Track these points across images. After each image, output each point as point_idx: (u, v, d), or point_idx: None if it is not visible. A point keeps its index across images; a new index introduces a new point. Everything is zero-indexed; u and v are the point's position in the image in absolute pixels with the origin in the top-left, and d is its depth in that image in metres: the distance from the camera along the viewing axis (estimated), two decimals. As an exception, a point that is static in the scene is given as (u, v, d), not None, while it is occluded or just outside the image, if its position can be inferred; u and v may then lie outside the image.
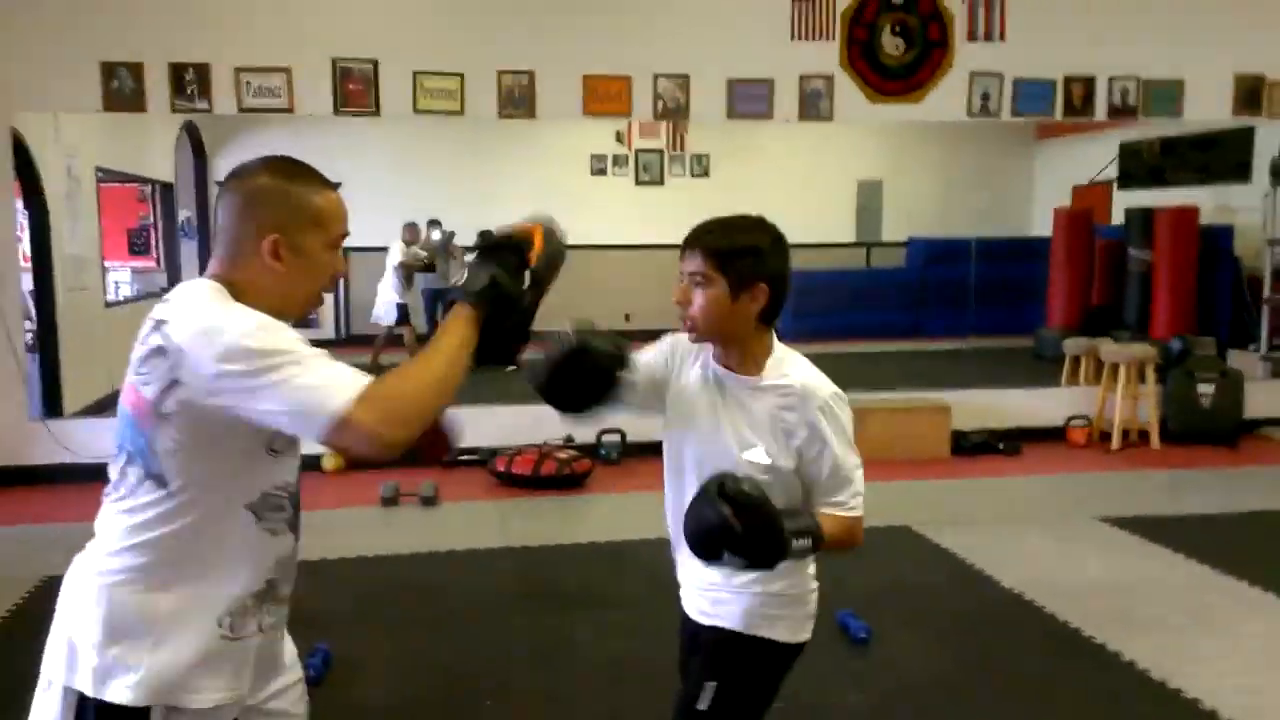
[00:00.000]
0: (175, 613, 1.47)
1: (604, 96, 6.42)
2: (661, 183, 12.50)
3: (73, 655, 1.46)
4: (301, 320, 1.58)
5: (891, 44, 6.57)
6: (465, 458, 6.32)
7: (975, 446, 6.40)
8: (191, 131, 10.95)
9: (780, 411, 1.79)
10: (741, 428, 1.80)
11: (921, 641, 3.67)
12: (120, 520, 1.47)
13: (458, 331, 1.51)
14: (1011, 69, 6.59)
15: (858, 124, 6.68)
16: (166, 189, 10.56)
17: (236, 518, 1.50)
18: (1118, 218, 10.92)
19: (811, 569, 1.90)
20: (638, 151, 12.49)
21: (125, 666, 1.44)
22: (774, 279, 1.78)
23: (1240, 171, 9.57)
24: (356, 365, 1.43)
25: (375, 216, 11.82)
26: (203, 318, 1.41)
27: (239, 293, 1.47)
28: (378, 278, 11.66)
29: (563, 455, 5.95)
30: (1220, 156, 9.93)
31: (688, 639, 1.96)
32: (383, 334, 10.01)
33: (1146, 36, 6.62)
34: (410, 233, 9.97)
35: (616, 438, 6.34)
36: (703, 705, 1.80)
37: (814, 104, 6.53)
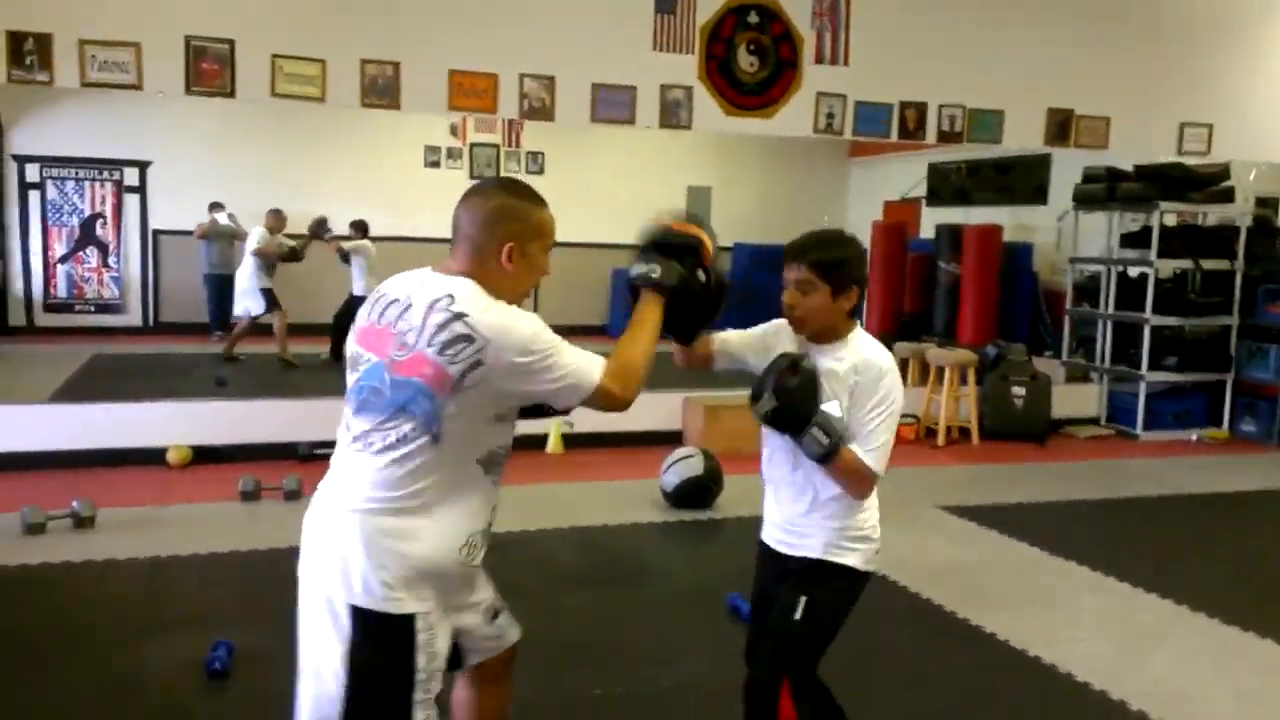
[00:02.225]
0: (432, 542, 1.89)
1: (470, 92, 6.42)
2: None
3: (348, 577, 1.88)
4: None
5: (746, 61, 6.89)
6: (321, 452, 6.18)
7: (819, 443, 6.80)
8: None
9: (852, 376, 2.22)
10: (823, 387, 2.20)
11: (806, 621, 3.94)
12: (389, 469, 1.87)
13: (654, 314, 2.10)
14: (854, 92, 7.04)
15: (698, 132, 6.96)
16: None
17: (473, 469, 1.95)
18: (925, 232, 11.78)
19: (873, 517, 2.33)
20: (473, 146, 12.44)
21: (394, 585, 1.87)
22: (860, 282, 2.28)
23: (1038, 195, 10.54)
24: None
25: (186, 200, 11.36)
26: (500, 316, 1.87)
27: (485, 289, 1.91)
28: (188, 264, 11.19)
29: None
30: (1019, 180, 10.89)
31: (771, 569, 2.40)
32: (244, 324, 9.56)
33: (973, 70, 7.22)
34: (274, 219, 9.55)
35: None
36: (797, 615, 2.26)
37: (674, 113, 6.77)
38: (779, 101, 6.99)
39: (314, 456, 6.14)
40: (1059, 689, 3.38)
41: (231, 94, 5.93)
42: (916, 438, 7.28)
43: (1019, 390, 7.41)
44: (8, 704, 3.12)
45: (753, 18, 6.89)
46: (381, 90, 6.21)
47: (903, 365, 8.23)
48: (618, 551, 4.81)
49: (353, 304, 9.35)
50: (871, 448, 2.19)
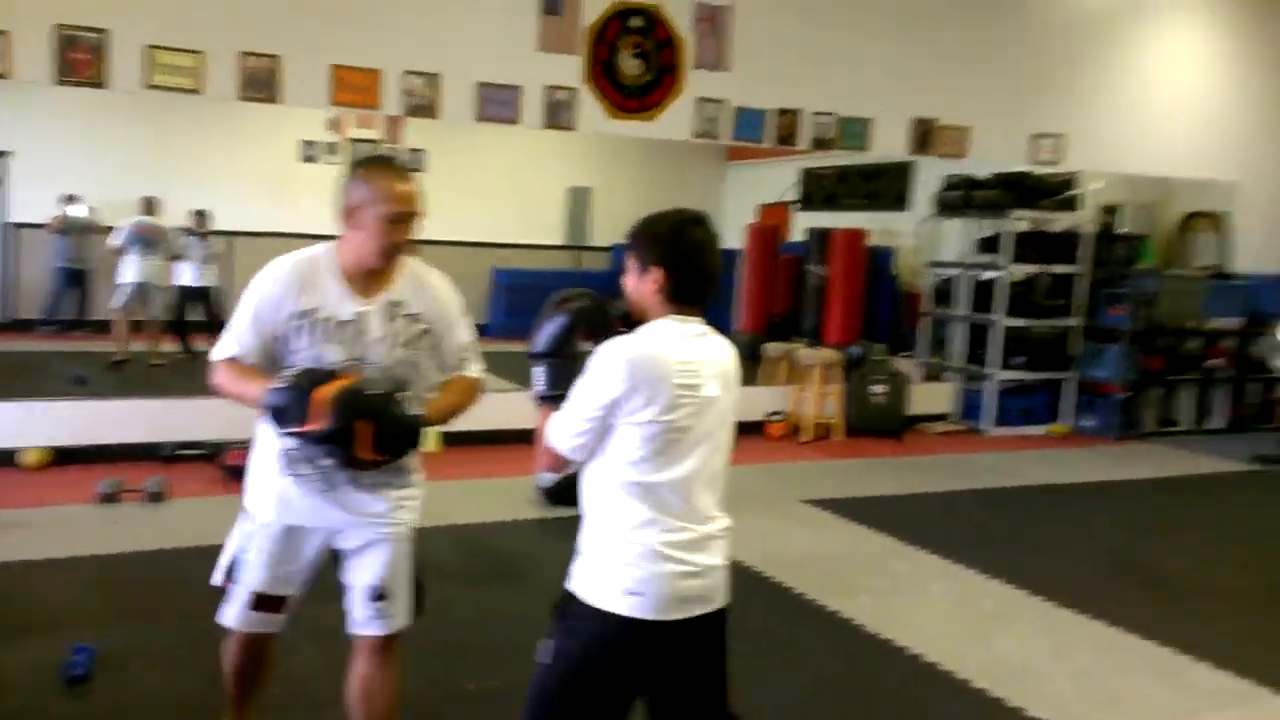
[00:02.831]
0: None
1: (352, 87, 6.41)
2: (376, 174, 12.36)
3: None
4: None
5: (630, 64, 7.06)
6: (186, 452, 6.10)
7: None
8: None
9: None
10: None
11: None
12: None
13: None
14: (733, 98, 7.29)
15: (579, 133, 7.11)
16: None
17: None
18: (797, 236, 12.20)
19: (638, 538, 2.06)
20: (352, 141, 12.27)
21: None
22: (662, 262, 2.04)
23: (900, 201, 11.05)
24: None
25: (51, 192, 10.89)
26: None
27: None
28: (50, 259, 10.77)
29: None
30: (884, 187, 11.40)
31: None
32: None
33: (845, 79, 7.57)
34: (146, 208, 9.17)
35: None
36: (538, 659, 2.15)
37: (559, 114, 6.89)
38: (661, 105, 7.18)
39: (178, 458, 6.05)
40: (911, 669, 3.67)
41: (103, 85, 5.79)
42: (784, 435, 7.60)
43: (878, 389, 7.81)
44: None
45: (636, 21, 7.07)
46: (261, 83, 6.15)
47: (774, 365, 8.57)
48: (495, 549, 4.92)
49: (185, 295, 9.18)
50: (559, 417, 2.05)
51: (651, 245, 2.04)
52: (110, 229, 9.17)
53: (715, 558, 2.10)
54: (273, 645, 2.60)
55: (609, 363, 1.98)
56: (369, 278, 2.35)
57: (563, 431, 2.03)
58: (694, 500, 2.04)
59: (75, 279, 10.44)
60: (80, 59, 5.73)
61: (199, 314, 9.13)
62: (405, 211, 2.29)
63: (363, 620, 2.47)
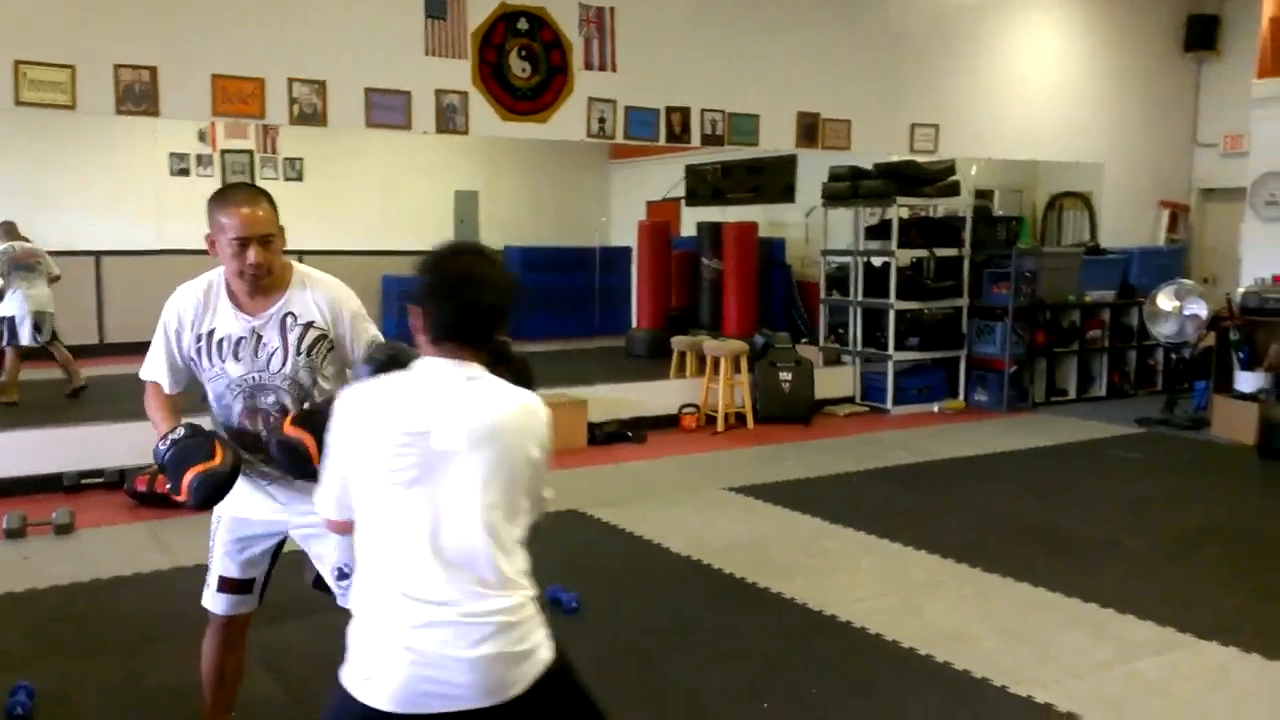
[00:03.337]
0: None
1: (235, 97, 6.23)
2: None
3: None
4: None
5: (519, 66, 7.04)
6: (89, 481, 5.83)
7: (608, 436, 7.08)
8: None
9: None
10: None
11: (624, 603, 4.16)
12: None
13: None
14: (623, 97, 7.34)
15: (462, 137, 7.04)
16: None
17: None
18: (687, 231, 12.34)
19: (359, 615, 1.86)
20: (224, 152, 11.87)
21: None
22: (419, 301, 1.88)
23: (786, 193, 11.27)
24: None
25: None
26: None
27: None
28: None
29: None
30: (769, 180, 11.61)
31: None
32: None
33: (731, 77, 7.71)
34: (8, 233, 8.55)
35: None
36: None
37: (450, 118, 6.83)
38: (553, 106, 7.18)
39: (81, 487, 5.78)
40: (854, 643, 3.76)
41: (-32, 101, 5.49)
42: (698, 426, 7.69)
43: (786, 375, 7.96)
44: None
45: (522, 24, 7.05)
46: (138, 96, 5.93)
47: (680, 358, 8.65)
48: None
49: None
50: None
51: (416, 280, 1.86)
52: None
53: (459, 647, 1.72)
54: (246, 634, 2.78)
55: (338, 409, 1.85)
56: (254, 294, 2.50)
57: (320, 491, 1.90)
58: (427, 574, 1.75)
59: None
60: (-59, 75, 5.41)
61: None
62: (248, 236, 2.40)
63: (340, 596, 2.57)
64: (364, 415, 1.82)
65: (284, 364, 2.51)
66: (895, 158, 8.65)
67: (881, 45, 8.31)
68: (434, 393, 1.80)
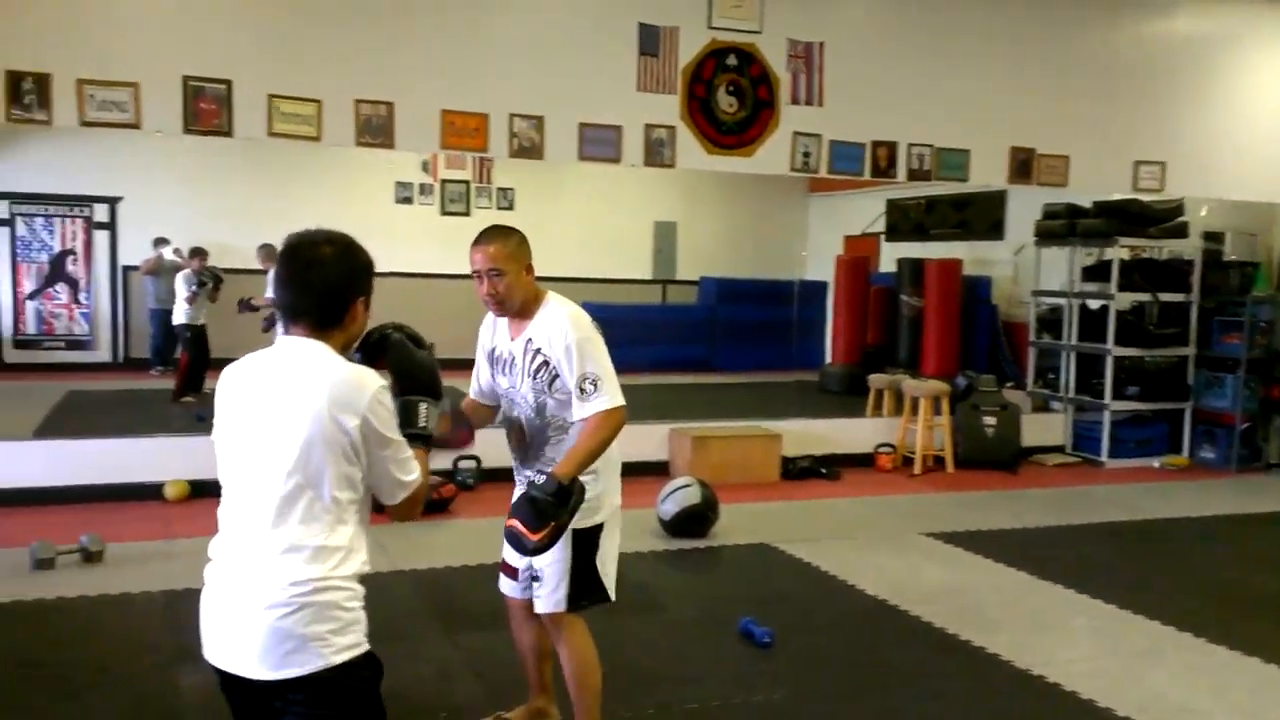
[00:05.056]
0: None
1: (462, 131, 6.57)
2: (468, 214, 12.62)
3: None
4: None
5: (726, 102, 7.11)
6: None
7: (802, 471, 7.01)
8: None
9: None
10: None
11: (816, 643, 4.09)
12: None
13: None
14: (829, 132, 7.29)
15: (662, 169, 7.15)
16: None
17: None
18: (885, 266, 12.11)
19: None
20: (444, 182, 12.56)
21: None
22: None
23: (994, 230, 10.91)
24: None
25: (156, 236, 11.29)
26: None
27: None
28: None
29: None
30: (976, 216, 11.27)
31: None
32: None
33: (939, 111, 7.52)
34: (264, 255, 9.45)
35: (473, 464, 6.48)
36: None
37: (658, 151, 6.97)
38: (758, 140, 7.21)
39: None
40: (1064, 705, 3.56)
41: (229, 133, 6.01)
42: (894, 467, 7.50)
43: (990, 420, 7.67)
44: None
45: (732, 60, 7.13)
46: (376, 129, 6.33)
47: (878, 396, 8.48)
48: (622, 579, 4.90)
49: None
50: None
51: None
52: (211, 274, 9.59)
53: (243, 602, 1.86)
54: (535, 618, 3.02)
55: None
56: (511, 320, 2.86)
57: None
58: (231, 526, 1.94)
59: (166, 319, 10.72)
60: (207, 109, 5.96)
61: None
62: (479, 270, 2.78)
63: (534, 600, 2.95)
64: (220, 387, 1.99)
65: (522, 383, 2.83)
66: (1116, 196, 8.23)
67: (1103, 78, 7.92)
68: (264, 366, 1.94)
